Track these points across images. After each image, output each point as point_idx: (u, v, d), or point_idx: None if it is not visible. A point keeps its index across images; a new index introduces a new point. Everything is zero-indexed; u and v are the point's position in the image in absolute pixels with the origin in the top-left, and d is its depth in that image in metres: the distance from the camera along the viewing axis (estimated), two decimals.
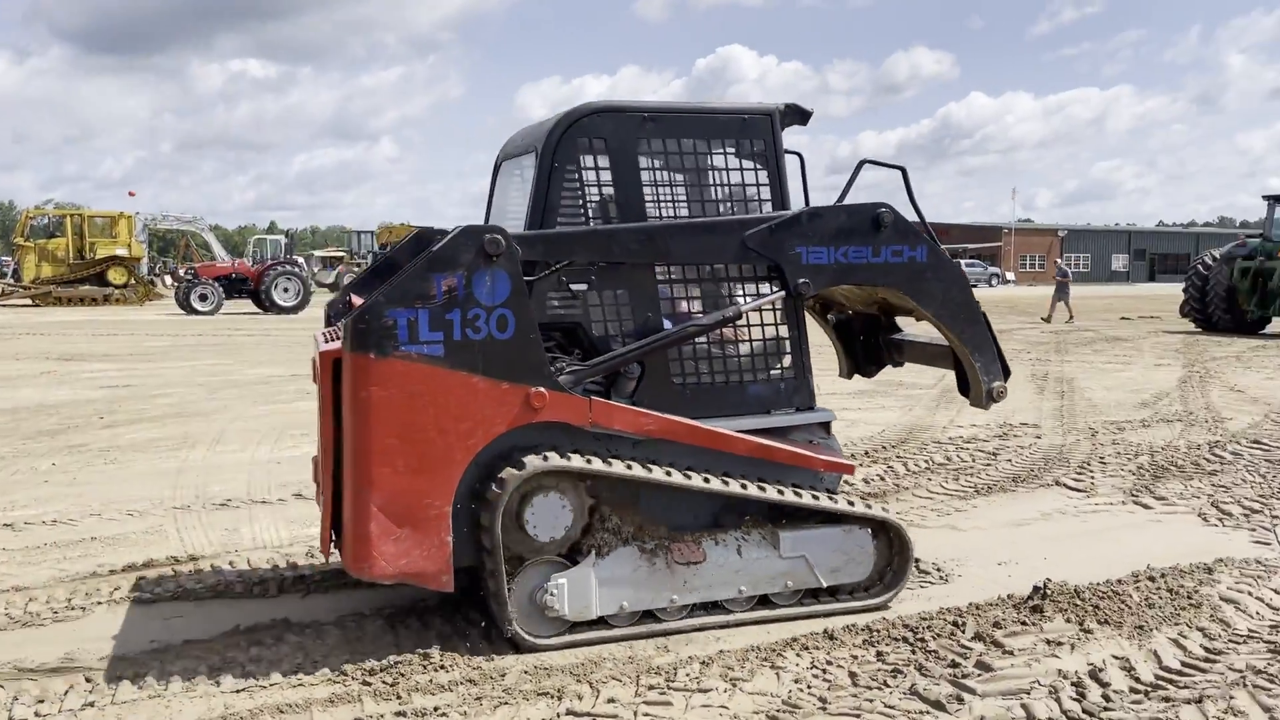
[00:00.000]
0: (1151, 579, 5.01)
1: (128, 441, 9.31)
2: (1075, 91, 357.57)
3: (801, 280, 4.62)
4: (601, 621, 4.40)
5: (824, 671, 4.06)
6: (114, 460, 8.47)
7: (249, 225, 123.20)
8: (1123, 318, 27.94)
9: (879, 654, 4.22)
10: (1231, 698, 3.76)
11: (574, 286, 4.53)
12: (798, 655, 4.22)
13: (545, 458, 4.18)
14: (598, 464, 4.27)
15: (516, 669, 4.09)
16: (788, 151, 4.86)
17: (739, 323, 4.66)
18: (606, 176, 4.60)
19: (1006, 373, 5.03)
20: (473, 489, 4.20)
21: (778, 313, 4.80)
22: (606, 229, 4.52)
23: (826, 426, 4.91)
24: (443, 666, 4.10)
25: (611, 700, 3.82)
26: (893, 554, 4.83)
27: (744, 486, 4.51)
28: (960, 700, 3.78)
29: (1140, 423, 9.97)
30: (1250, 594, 4.90)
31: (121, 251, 36.21)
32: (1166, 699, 3.77)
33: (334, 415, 4.18)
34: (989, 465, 8.00)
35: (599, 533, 4.39)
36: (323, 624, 4.59)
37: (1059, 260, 51.31)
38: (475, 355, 4.12)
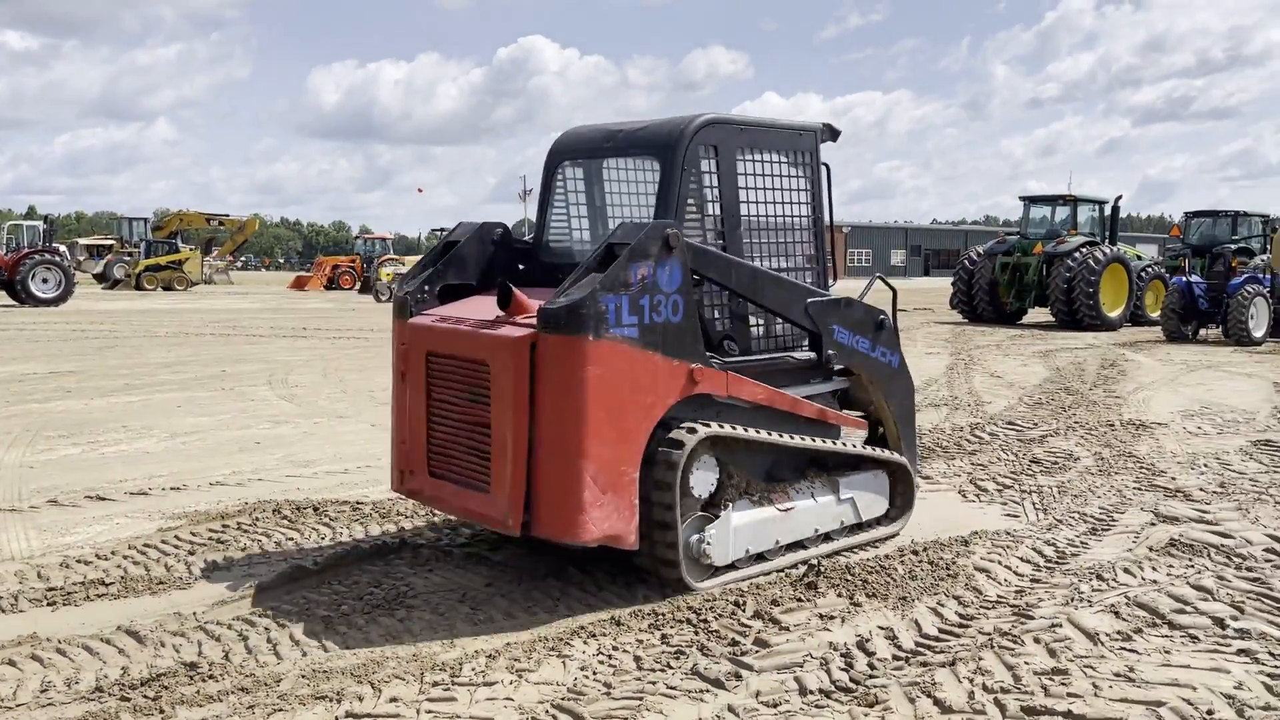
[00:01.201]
0: (915, 553, 5.35)
1: None
2: (860, 95, 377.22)
3: (831, 351, 5.52)
4: (731, 566, 5.00)
5: (610, 657, 4.11)
6: None
7: (5, 210, 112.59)
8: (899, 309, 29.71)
9: (664, 637, 4.31)
10: (980, 659, 4.06)
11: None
12: (584, 643, 4.25)
13: (706, 425, 4.82)
14: (741, 430, 4.97)
15: (292, 674, 3.92)
16: (821, 164, 5.70)
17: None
18: (715, 180, 5.25)
19: (918, 470, 6.13)
20: (649, 455, 4.69)
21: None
22: (731, 260, 5.10)
23: (834, 394, 5.77)
24: (211, 676, 3.88)
25: (394, 699, 3.73)
26: (900, 488, 5.89)
27: (834, 445, 5.46)
28: (739, 677, 3.91)
29: None
30: (1000, 563, 5.32)
31: None
32: (924, 663, 4.04)
33: (529, 396, 4.54)
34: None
35: (728, 489, 5.01)
36: (77, 638, 4.25)
37: None
38: (658, 336, 4.66)
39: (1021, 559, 5.40)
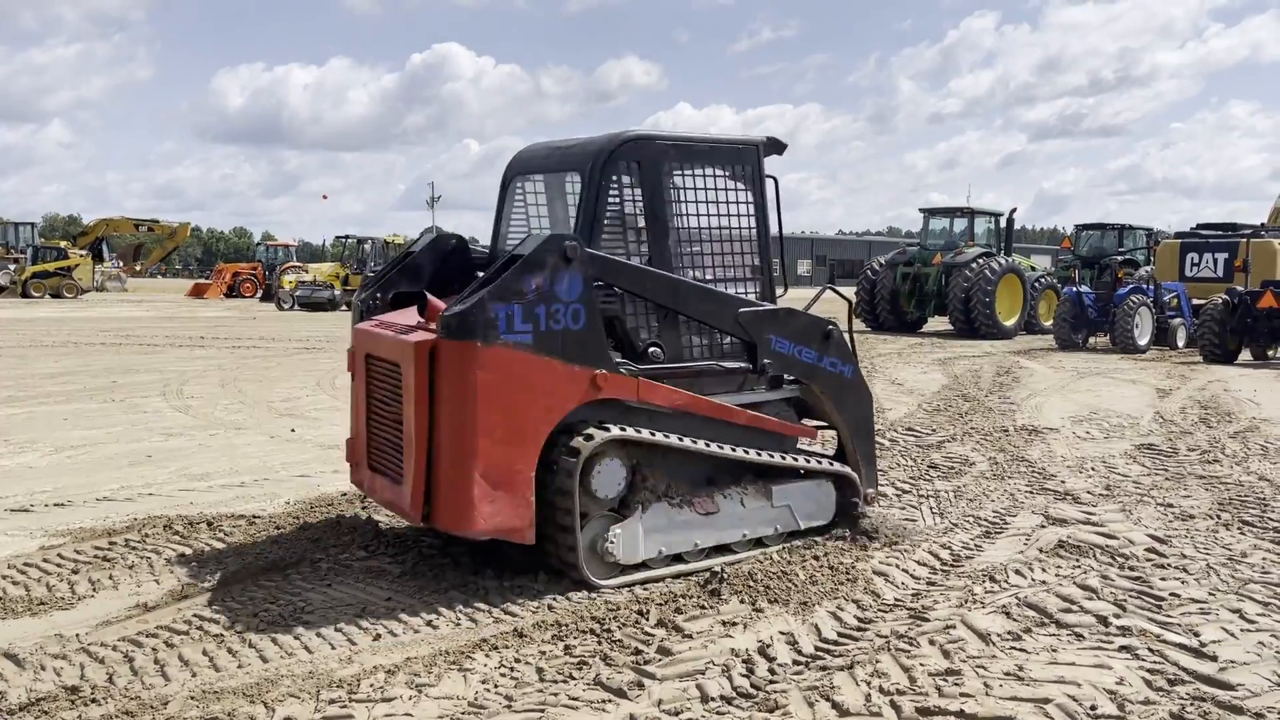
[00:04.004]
0: (816, 558, 5.44)
1: None
2: (772, 107, 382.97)
3: (767, 360, 5.58)
4: (643, 565, 5.13)
5: (512, 669, 4.07)
6: None
7: None
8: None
9: (567, 647, 4.29)
10: (878, 661, 4.15)
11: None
12: (486, 656, 4.20)
13: (607, 429, 4.94)
14: (647, 434, 5.08)
15: (180, 695, 3.79)
16: (766, 177, 5.76)
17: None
18: (639, 194, 5.39)
19: (876, 484, 6.18)
20: (548, 457, 4.87)
21: None
22: (644, 270, 5.24)
23: (788, 401, 5.80)
24: (94, 699, 3.73)
25: (288, 719, 3.63)
26: (847, 498, 5.90)
27: (746, 453, 5.45)
28: (641, 686, 3.92)
29: None
30: (898, 567, 5.44)
31: None
32: (824, 667, 4.10)
33: (429, 396, 4.78)
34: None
35: (641, 491, 5.16)
36: None
37: None
38: (556, 343, 4.83)
39: (918, 563, 5.53)
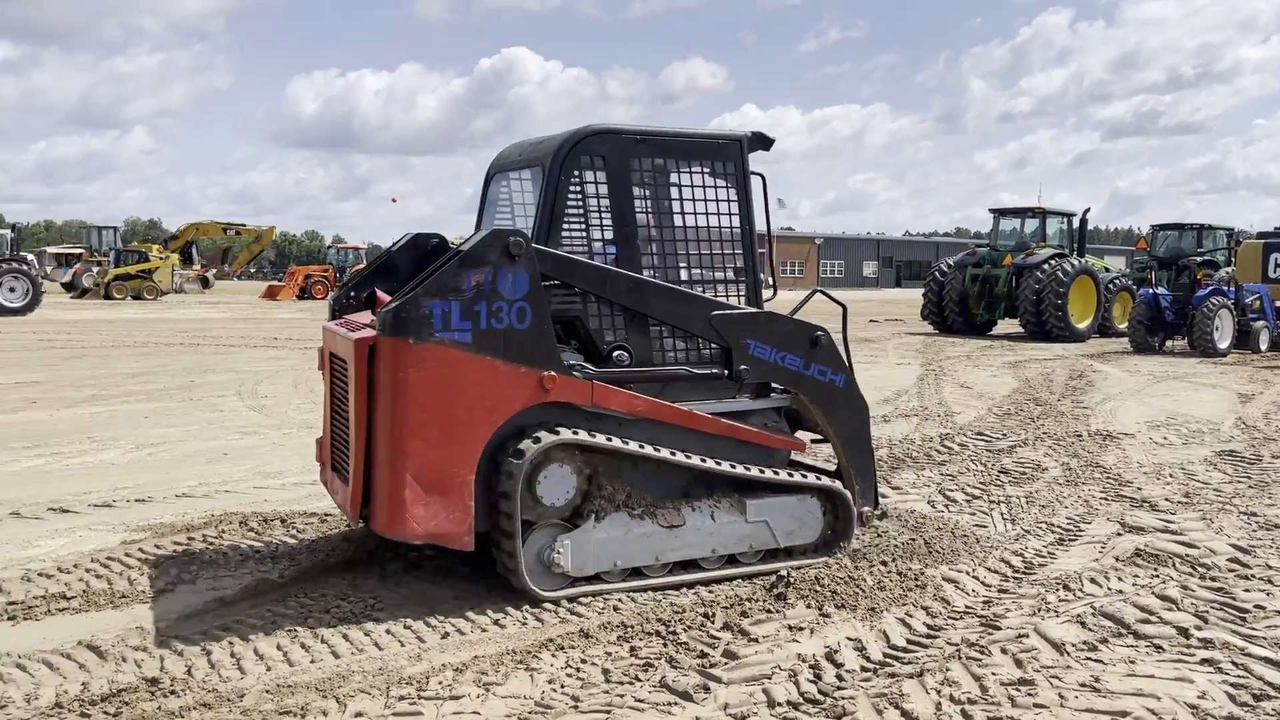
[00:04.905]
0: (884, 563, 5.37)
1: None
2: (838, 108, 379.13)
3: (744, 367, 5.27)
4: (597, 578, 4.93)
5: (578, 670, 4.09)
6: None
7: None
8: (871, 320, 29.94)
9: (632, 649, 4.29)
10: (948, 670, 4.08)
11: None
12: (553, 656, 4.23)
13: (556, 432, 4.74)
14: (600, 439, 4.84)
15: (256, 689, 3.88)
16: (752, 172, 5.52)
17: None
18: (604, 190, 5.18)
19: (875, 502, 5.81)
20: (492, 460, 4.73)
21: None
22: (605, 269, 5.04)
23: (778, 411, 5.52)
24: (173, 691, 3.83)
25: (359, 715, 3.69)
26: (838, 519, 5.52)
27: (718, 464, 5.18)
28: (707, 689, 3.91)
29: (881, 418, 10.69)
30: (969, 574, 5.35)
31: None
32: (892, 675, 4.05)
33: (368, 395, 4.63)
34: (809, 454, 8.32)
35: (596, 499, 4.94)
36: (38, 653, 4.18)
37: None
38: (498, 342, 4.66)
39: (990, 570, 5.42)
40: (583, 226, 5.20)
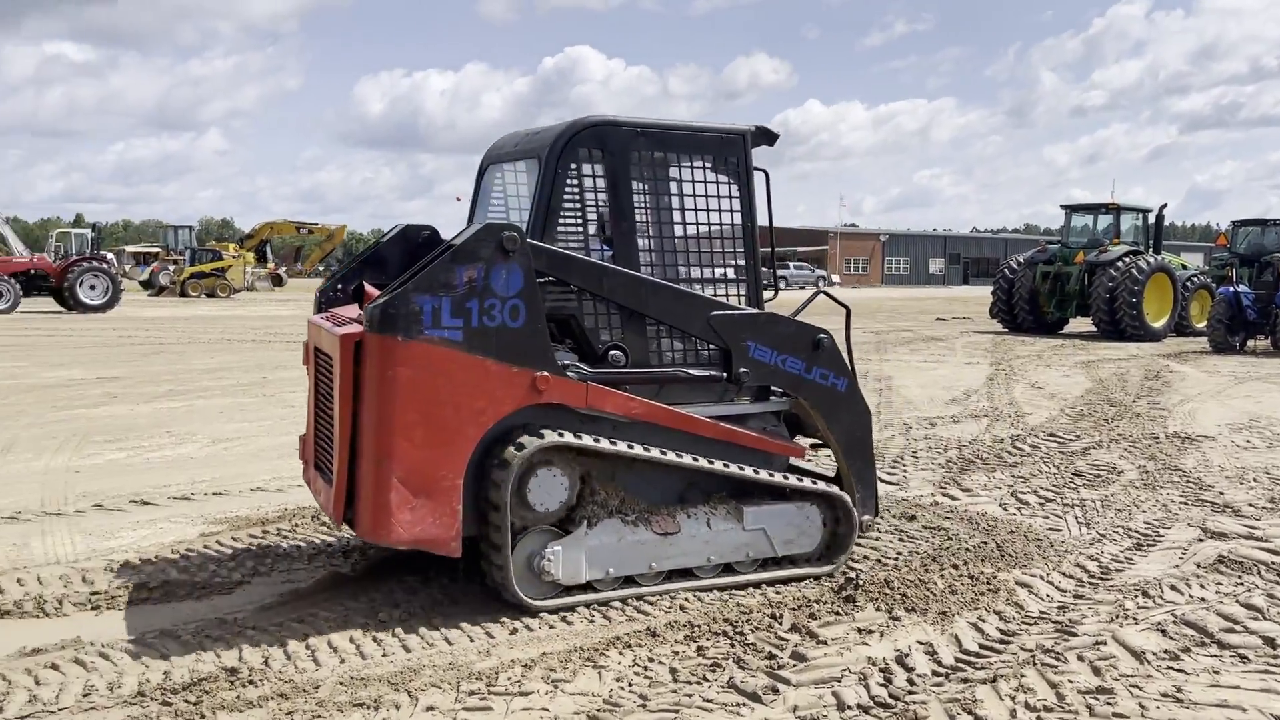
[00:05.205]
0: (955, 566, 5.28)
1: None
2: (904, 102, 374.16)
3: (743, 369, 5.08)
4: (589, 586, 4.78)
5: (645, 669, 4.09)
6: None
7: (53, 218, 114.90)
8: (938, 318, 29.50)
9: (700, 649, 4.28)
10: (1023, 676, 4.00)
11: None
12: (620, 654, 4.23)
13: (543, 436, 4.56)
14: (592, 442, 4.67)
15: (331, 680, 3.95)
16: (755, 168, 5.34)
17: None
18: (602, 184, 5.02)
19: (877, 510, 5.60)
20: (481, 463, 4.56)
21: None
22: (601, 266, 4.88)
23: (778, 415, 5.37)
24: (251, 681, 3.91)
25: (431, 708, 3.74)
26: (839, 526, 5.30)
27: (714, 464, 4.99)
28: (775, 691, 3.88)
29: (950, 418, 10.53)
30: (1042, 578, 5.24)
31: None
32: (965, 680, 3.98)
33: (353, 393, 4.45)
34: (808, 461, 8.25)
35: (589, 505, 4.79)
36: (121, 642, 4.31)
37: None
38: (490, 341, 4.49)
39: (1064, 574, 5.31)
40: (579, 221, 5.05)
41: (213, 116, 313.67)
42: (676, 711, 3.72)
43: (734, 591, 4.99)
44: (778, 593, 4.98)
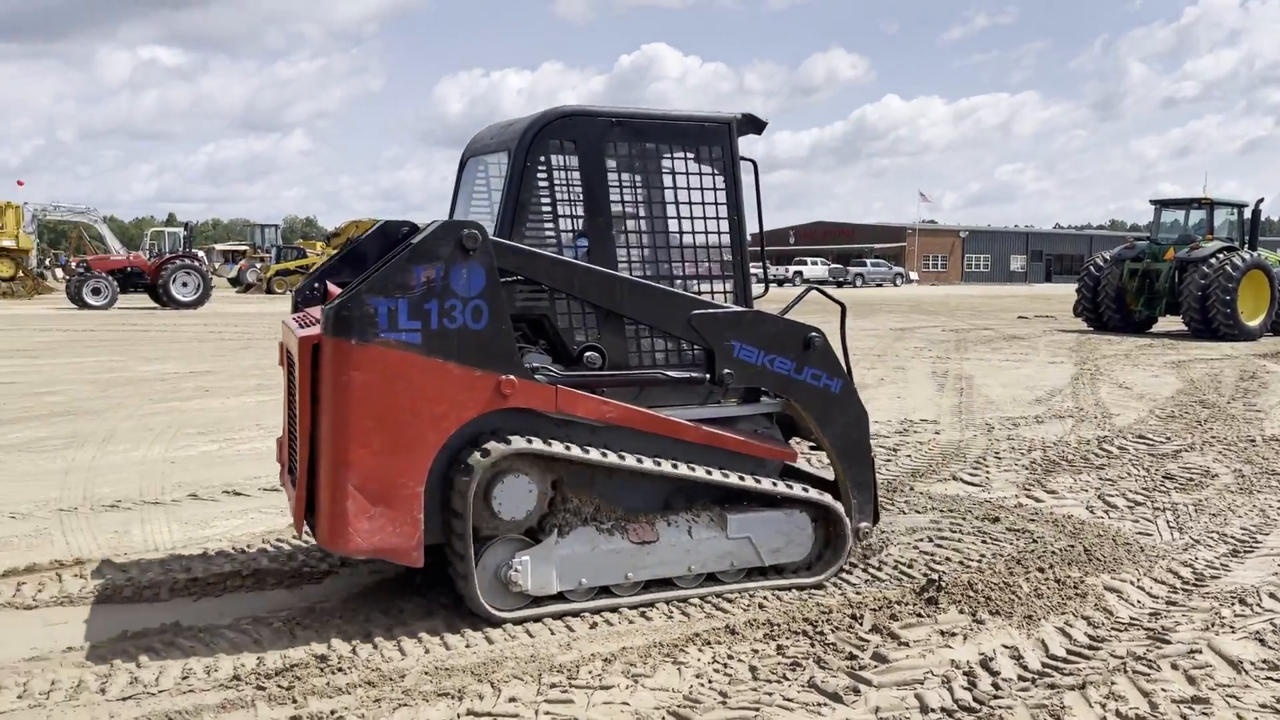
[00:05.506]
0: (1040, 570, 5.18)
1: (11, 441, 8.91)
2: (985, 96, 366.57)
3: (727, 370, 4.86)
4: (560, 597, 4.63)
5: (725, 666, 4.10)
6: None
7: (147, 217, 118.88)
8: (1020, 316, 28.87)
9: (779, 647, 4.27)
10: (1113, 683, 3.91)
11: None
12: (699, 650, 4.25)
13: (509, 442, 4.40)
14: (558, 448, 4.50)
15: (416, 670, 4.03)
16: (743, 158, 5.10)
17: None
18: (575, 177, 4.83)
19: (876, 518, 5.30)
20: (444, 470, 4.41)
21: None
22: (571, 264, 4.71)
23: (770, 417, 5.17)
24: (340, 669, 4.02)
25: (513, 699, 3.80)
26: (830, 536, 5.11)
27: (692, 470, 4.81)
28: (857, 692, 3.86)
29: (1034, 419, 10.31)
30: (1133, 583, 5.10)
31: (8, 243, 34.66)
32: (1052, 685, 3.91)
33: (312, 398, 4.34)
34: (889, 460, 8.17)
35: (560, 513, 4.63)
36: (216, 627, 4.46)
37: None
38: (451, 343, 4.32)
39: (1156, 580, 5.17)
40: (552, 217, 4.87)
41: (298, 118, 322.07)
42: (757, 709, 3.72)
43: (813, 591, 4.96)
44: (858, 593, 4.94)
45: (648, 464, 4.69)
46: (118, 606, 4.80)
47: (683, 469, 4.78)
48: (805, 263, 65.34)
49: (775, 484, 5.00)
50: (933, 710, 3.70)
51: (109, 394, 11.87)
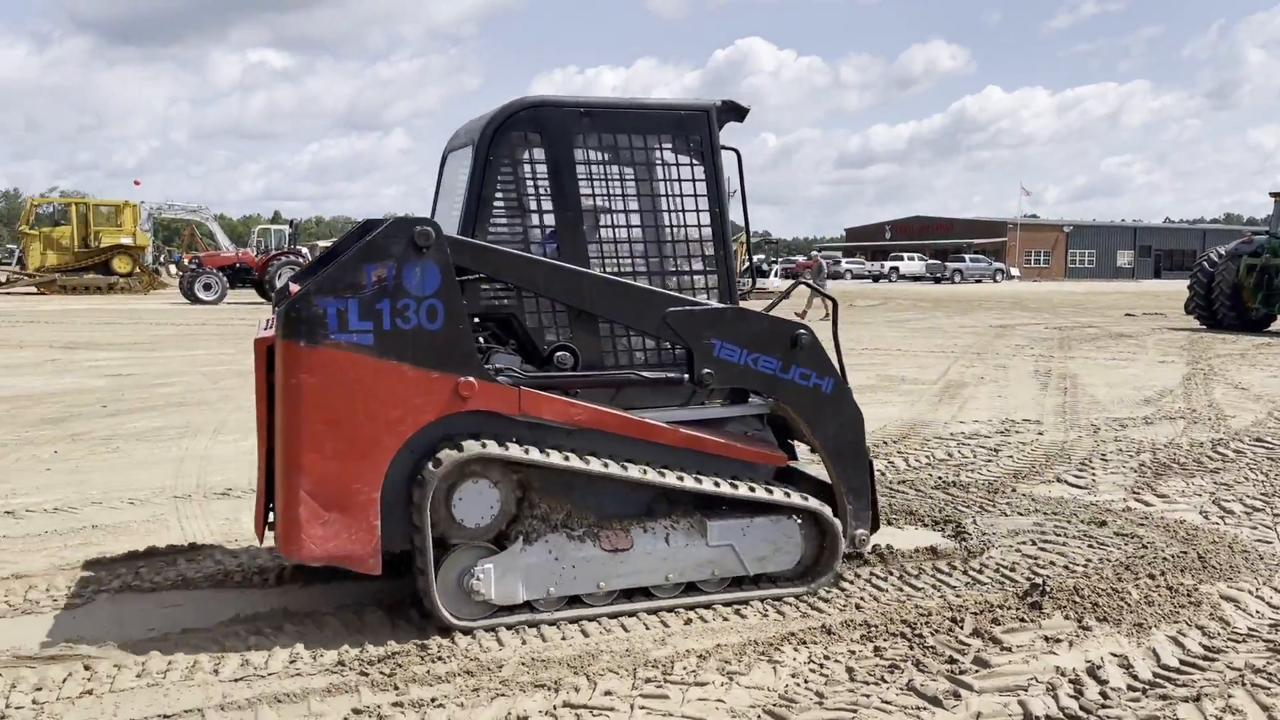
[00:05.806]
0: (1151, 576, 5.00)
1: (130, 430, 9.32)
2: (1092, 87, 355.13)
3: (707, 370, 4.66)
4: (528, 606, 4.47)
5: (821, 666, 4.06)
6: (116, 449, 8.49)
7: (254, 215, 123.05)
8: (1127, 314, 27.89)
9: (876, 649, 4.21)
10: (1230, 696, 3.75)
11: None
12: (795, 649, 4.21)
13: (461, 448, 4.24)
14: (516, 451, 4.32)
15: (514, 660, 4.09)
16: (725, 147, 4.88)
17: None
18: (543, 171, 4.67)
19: (876, 525, 5.05)
20: (403, 475, 4.28)
21: None
22: (535, 260, 4.55)
23: (761, 418, 4.96)
24: (440, 658, 4.10)
25: (609, 693, 3.83)
26: (823, 543, 4.88)
27: (663, 475, 4.57)
28: (957, 696, 3.78)
29: (1143, 420, 9.95)
30: (1251, 592, 4.89)
31: (126, 240, 36.27)
32: (1164, 697, 3.77)
33: (268, 401, 4.29)
34: (990, 461, 7.98)
35: (527, 519, 4.47)
36: (323, 613, 4.59)
37: (817, 254, 48.03)
38: (405, 344, 4.20)
39: (1276, 590, 4.94)
40: (519, 212, 4.71)
41: (397, 117, 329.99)
42: (854, 711, 3.67)
43: (911, 593, 4.88)
44: (958, 596, 4.84)
45: (614, 468, 4.48)
46: (230, 591, 4.98)
47: (651, 474, 4.54)
48: (901, 258, 64.28)
49: (754, 489, 4.73)
50: (1037, 717, 3.61)
51: (220, 386, 12.32)
